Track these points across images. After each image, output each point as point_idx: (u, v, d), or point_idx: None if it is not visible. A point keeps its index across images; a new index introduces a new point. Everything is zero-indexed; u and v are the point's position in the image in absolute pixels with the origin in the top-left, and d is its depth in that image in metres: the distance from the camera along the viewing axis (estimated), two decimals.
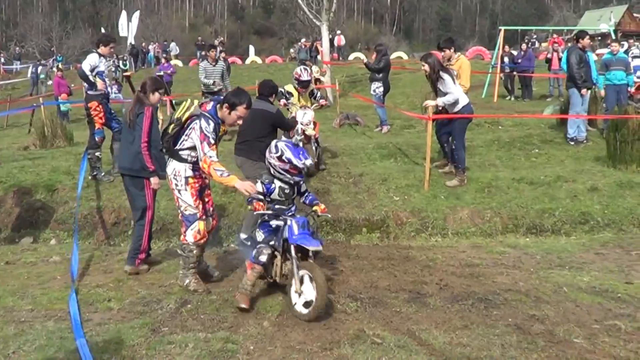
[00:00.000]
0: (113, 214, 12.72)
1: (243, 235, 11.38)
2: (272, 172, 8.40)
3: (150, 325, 7.23)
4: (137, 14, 61.30)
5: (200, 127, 8.26)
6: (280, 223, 8.06)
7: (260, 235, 8.35)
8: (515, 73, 31.58)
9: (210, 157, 8.10)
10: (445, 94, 13.00)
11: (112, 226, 12.60)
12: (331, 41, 42.25)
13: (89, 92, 13.45)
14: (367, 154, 16.21)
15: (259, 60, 63.21)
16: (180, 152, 8.65)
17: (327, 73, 32.07)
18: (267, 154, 8.48)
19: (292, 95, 14.15)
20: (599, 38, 58.08)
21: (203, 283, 8.73)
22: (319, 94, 14.89)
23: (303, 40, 50.49)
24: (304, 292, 7.62)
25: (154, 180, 9.85)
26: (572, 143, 16.90)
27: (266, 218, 8.31)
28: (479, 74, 31.21)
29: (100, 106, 13.40)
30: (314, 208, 8.45)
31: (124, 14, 61.71)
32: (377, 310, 7.82)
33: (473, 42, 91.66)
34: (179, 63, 60.13)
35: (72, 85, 33.07)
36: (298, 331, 7.07)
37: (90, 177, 13.41)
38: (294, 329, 7.09)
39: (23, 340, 6.80)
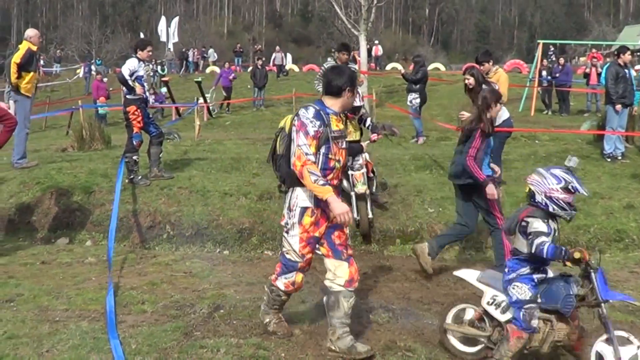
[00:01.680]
0: (149, 217, 12.78)
1: None
2: (550, 208, 6.57)
3: (182, 329, 7.26)
4: (176, 20, 61.59)
5: (298, 115, 6.77)
6: (543, 276, 6.60)
7: (523, 292, 6.46)
8: (553, 87, 31.45)
9: (306, 153, 6.52)
10: None
11: (147, 229, 12.66)
12: (369, 51, 42.24)
13: (128, 96, 13.52)
14: (402, 165, 16.15)
15: (296, 68, 63.27)
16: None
17: (364, 83, 32.09)
18: (542, 187, 6.60)
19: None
20: (638, 54, 57.71)
21: (286, 325, 7.42)
22: (369, 121, 12.48)
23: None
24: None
25: (488, 190, 9.47)
26: (609, 159, 16.76)
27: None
28: (516, 87, 31.10)
29: (139, 110, 13.47)
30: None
31: (163, 19, 62.02)
32: (408, 321, 7.83)
33: (511, 55, 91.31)
34: (217, 69, 60.35)
35: (111, 88, 33.31)
36: None
37: (127, 181, 13.46)
38: (326, 338, 7.09)
39: (57, 339, 6.86)
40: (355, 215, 11.68)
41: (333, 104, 6.84)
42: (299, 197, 6.81)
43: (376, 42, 59.72)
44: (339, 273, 6.86)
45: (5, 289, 8.77)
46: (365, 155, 12.19)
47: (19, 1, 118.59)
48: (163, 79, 36.32)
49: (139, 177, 13.72)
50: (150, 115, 14.15)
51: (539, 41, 35.65)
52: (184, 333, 7.15)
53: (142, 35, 60.25)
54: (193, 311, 7.96)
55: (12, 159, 15.05)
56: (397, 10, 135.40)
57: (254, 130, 27.11)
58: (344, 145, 6.90)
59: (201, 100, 30.57)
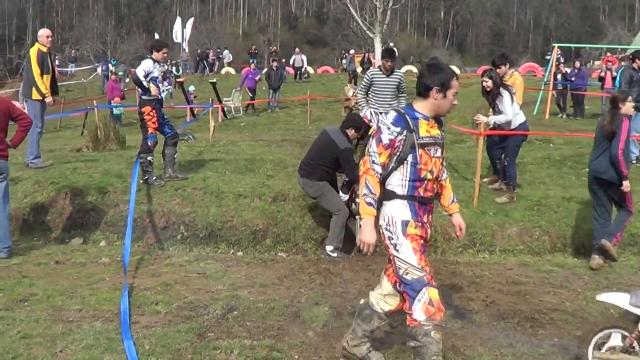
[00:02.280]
0: (163, 218, 12.80)
1: (329, 247, 11.47)
2: None
3: (196, 330, 7.28)
4: (191, 21, 61.77)
5: (378, 120, 6.18)
6: None
7: None
8: (568, 91, 31.40)
9: (373, 161, 5.93)
10: (500, 112, 12.94)
11: (161, 230, 12.68)
12: None
13: (143, 97, 13.53)
14: None
15: (311, 70, 63.26)
16: (389, 184, 6.09)
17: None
18: None
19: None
20: None
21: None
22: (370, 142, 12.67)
23: (352, 51, 50.39)
24: None
25: (625, 184, 10.34)
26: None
27: None
28: (531, 90, 31.03)
29: (154, 111, 13.48)
30: None
31: (178, 20, 62.22)
32: None
33: (526, 58, 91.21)
34: (232, 71, 60.40)
35: (126, 89, 33.41)
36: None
37: (141, 181, 13.48)
38: (339, 340, 7.07)
39: (70, 340, 6.89)
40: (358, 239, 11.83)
41: (422, 106, 6.10)
42: (397, 211, 6.04)
43: (391, 44, 59.66)
44: (388, 299, 6.47)
45: (19, 288, 8.80)
46: None
47: (34, 1, 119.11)
48: (178, 79, 36.41)
49: (154, 178, 13.73)
50: (165, 117, 14.14)
51: (554, 45, 35.55)
52: (198, 334, 7.17)
53: (157, 36, 60.41)
54: (207, 312, 7.97)
55: (26, 159, 15.09)
56: (412, 13, 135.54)
57: (269, 132, 27.12)
58: (437, 154, 6.12)
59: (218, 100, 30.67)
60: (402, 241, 5.96)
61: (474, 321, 7.99)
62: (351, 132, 11.71)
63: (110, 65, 48.81)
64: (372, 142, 5.97)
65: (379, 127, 6.00)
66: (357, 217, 11.63)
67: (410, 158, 5.94)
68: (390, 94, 13.89)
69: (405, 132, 5.89)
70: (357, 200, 11.43)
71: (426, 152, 5.98)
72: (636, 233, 12.25)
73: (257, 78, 35.50)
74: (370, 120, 12.17)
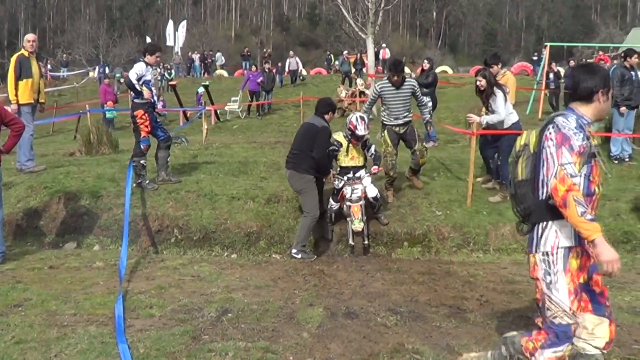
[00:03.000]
0: (157, 221, 12.81)
1: (294, 250, 11.49)
2: None
3: (191, 333, 7.27)
4: (183, 24, 61.78)
5: (556, 125, 5.38)
6: None
7: None
8: (560, 90, 31.45)
9: (572, 175, 5.10)
10: (494, 111, 12.96)
11: (155, 233, 12.69)
12: (376, 54, 42.23)
13: (135, 100, 13.53)
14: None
15: (304, 72, 63.28)
16: (551, 203, 5.30)
17: (371, 86, 32.15)
18: None
19: (342, 146, 12.30)
20: None
21: None
22: (373, 148, 12.49)
23: (345, 52, 50.37)
24: None
25: None
26: (616, 161, 16.77)
27: None
28: (523, 90, 31.09)
29: (146, 114, 13.48)
30: None
31: (170, 23, 62.25)
32: (416, 324, 7.81)
33: (518, 58, 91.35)
34: (225, 73, 60.43)
35: (118, 93, 33.37)
36: (337, 343, 7.09)
37: (135, 185, 13.48)
38: (333, 341, 7.10)
39: (65, 344, 6.88)
40: (350, 241, 11.94)
41: (585, 111, 5.48)
42: (560, 235, 5.34)
43: (384, 45, 59.70)
44: (598, 332, 5.39)
45: (13, 293, 8.79)
46: (362, 187, 11.96)
47: (26, 5, 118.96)
48: (170, 83, 36.42)
49: (147, 182, 13.73)
50: (158, 120, 14.15)
51: (546, 44, 35.61)
52: (192, 337, 7.17)
53: (149, 40, 60.34)
54: (201, 315, 7.97)
55: (18, 163, 15.06)
56: (405, 14, 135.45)
57: (262, 134, 27.16)
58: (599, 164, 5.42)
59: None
60: (560, 277, 5.35)
61: (468, 320, 7.99)
62: (329, 116, 11.99)
63: (107, 68, 48.87)
64: (564, 153, 5.17)
65: (565, 135, 5.25)
66: (348, 219, 11.70)
67: (585, 170, 5.33)
68: (403, 106, 13.30)
69: (586, 140, 5.28)
70: (348, 203, 11.50)
71: (596, 163, 5.41)
72: (629, 231, 12.27)
73: (259, 80, 35.47)
74: (355, 127, 11.95)
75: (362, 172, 12.29)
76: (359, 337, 7.27)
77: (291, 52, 54.61)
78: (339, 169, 12.40)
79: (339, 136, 12.38)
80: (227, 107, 34.66)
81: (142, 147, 13.55)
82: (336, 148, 12.25)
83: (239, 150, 18.93)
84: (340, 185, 12.10)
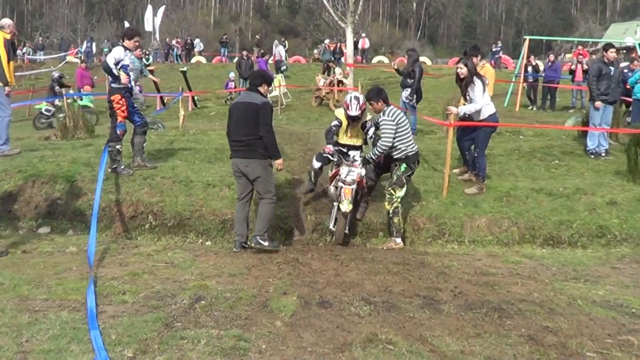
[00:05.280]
0: (131, 207, 12.74)
1: (261, 237, 11.38)
2: None
3: (163, 320, 7.23)
4: (162, 9, 61.52)
5: None
6: None
7: None
8: (538, 83, 31.61)
9: None
10: (472, 100, 12.98)
11: (129, 219, 12.63)
12: (355, 44, 42.24)
13: (113, 84, 13.47)
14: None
15: (285, 65, 63.07)
16: None
17: (350, 75, 32.17)
18: None
19: (342, 124, 12.27)
20: (624, 51, 57.87)
21: None
22: (372, 131, 12.36)
23: (327, 41, 50.40)
24: None
25: None
26: (592, 156, 16.85)
27: None
28: (502, 82, 31.18)
29: (123, 99, 13.41)
30: None
31: (149, 8, 61.94)
32: (390, 314, 7.80)
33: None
34: (203, 60, 60.24)
35: (96, 77, 33.17)
36: (310, 332, 7.07)
37: (110, 170, 13.41)
38: (307, 330, 7.08)
39: (36, 329, 6.81)
40: (331, 226, 11.76)
41: None
42: None
43: (363, 35, 59.79)
44: None
45: None
46: (358, 172, 11.69)
47: None
48: (148, 68, 36.26)
49: (122, 167, 13.67)
50: (135, 105, 14.07)
51: (525, 37, 35.70)
52: (165, 324, 7.12)
53: (127, 24, 60.06)
54: (174, 302, 7.93)
55: None
56: (385, 4, 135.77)
57: None
58: None
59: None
60: None
61: (442, 311, 7.98)
62: (264, 88, 11.38)
63: (93, 44, 48.64)
64: None
65: None
66: (334, 202, 11.59)
67: None
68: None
69: None
70: (338, 184, 11.34)
71: None
72: (604, 225, 12.34)
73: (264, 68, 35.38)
74: (348, 107, 11.67)
75: (356, 154, 12.23)
76: (332, 326, 7.25)
77: (276, 41, 54.48)
78: (333, 146, 12.28)
79: (339, 113, 12.32)
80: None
81: (118, 132, 13.48)
82: (338, 124, 12.21)
83: (215, 137, 18.84)
84: (334, 159, 12.08)
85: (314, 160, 12.30)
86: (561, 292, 8.90)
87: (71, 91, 28.27)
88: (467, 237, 12.28)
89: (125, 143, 13.99)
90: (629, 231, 12.26)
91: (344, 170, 11.59)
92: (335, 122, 12.22)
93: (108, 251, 10.52)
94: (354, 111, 11.84)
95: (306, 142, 17.64)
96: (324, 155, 12.26)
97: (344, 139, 12.37)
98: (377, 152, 11.74)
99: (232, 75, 35.57)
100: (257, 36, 73.94)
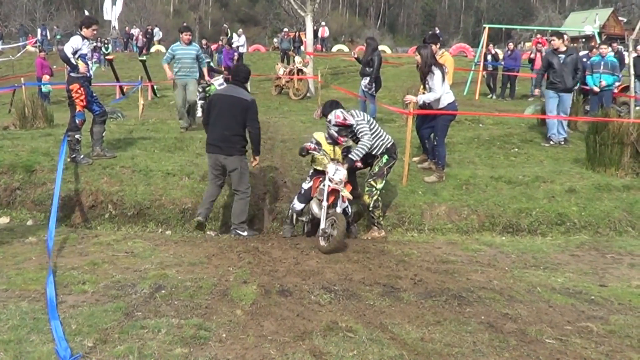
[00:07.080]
0: (90, 196, 12.69)
1: (239, 227, 11.39)
2: None
3: (123, 309, 7.20)
4: None
5: None
6: None
7: None
8: (498, 72, 31.82)
9: None
10: (431, 89, 13.02)
11: (89, 209, 12.58)
12: (315, 32, 42.22)
13: (71, 74, 13.39)
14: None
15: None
16: None
17: (309, 64, 32.15)
18: None
19: (321, 147, 11.59)
20: (583, 40, 58.40)
21: None
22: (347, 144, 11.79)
23: (286, 29, 50.32)
24: None
25: None
26: (551, 143, 16.99)
27: None
28: (461, 71, 31.32)
29: (82, 89, 13.34)
30: None
31: None
32: (350, 302, 7.82)
33: (457, 39, 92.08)
34: (162, 49, 59.88)
35: (55, 66, 32.92)
36: (271, 320, 7.07)
37: (69, 160, 13.35)
38: (267, 319, 7.09)
39: None
40: (322, 225, 10.77)
41: None
42: None
43: (323, 23, 59.70)
44: None
45: None
46: (344, 173, 10.98)
47: None
48: (107, 57, 36.04)
49: (81, 156, 13.61)
50: (94, 94, 13.98)
51: (485, 25, 35.90)
52: (125, 313, 7.10)
53: (86, 13, 59.59)
54: (134, 291, 7.90)
55: None
56: None
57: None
58: None
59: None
60: None
61: (402, 299, 8.02)
62: (248, 85, 11.62)
63: (47, 32, 48.24)
64: None
65: None
66: (317, 197, 11.32)
67: None
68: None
69: None
70: (327, 182, 10.84)
71: None
72: (563, 212, 12.46)
73: (235, 57, 35.23)
74: (345, 119, 11.21)
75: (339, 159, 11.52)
76: (292, 315, 7.26)
77: (240, 30, 54.29)
78: (311, 172, 11.88)
79: (318, 136, 11.83)
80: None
81: (77, 121, 13.42)
82: (317, 148, 11.52)
83: (175, 126, 18.79)
84: (318, 153, 11.49)
85: (296, 201, 11.72)
86: (521, 279, 8.98)
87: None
88: (427, 225, 12.34)
89: (85, 132, 13.92)
90: (588, 219, 12.39)
91: (331, 168, 10.98)
92: (314, 147, 11.50)
93: (67, 241, 10.46)
94: (351, 119, 11.25)
95: (266, 131, 17.58)
96: (303, 193, 11.66)
97: (322, 166, 11.44)
98: (360, 151, 11.22)
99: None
100: (224, 25, 73.67)
